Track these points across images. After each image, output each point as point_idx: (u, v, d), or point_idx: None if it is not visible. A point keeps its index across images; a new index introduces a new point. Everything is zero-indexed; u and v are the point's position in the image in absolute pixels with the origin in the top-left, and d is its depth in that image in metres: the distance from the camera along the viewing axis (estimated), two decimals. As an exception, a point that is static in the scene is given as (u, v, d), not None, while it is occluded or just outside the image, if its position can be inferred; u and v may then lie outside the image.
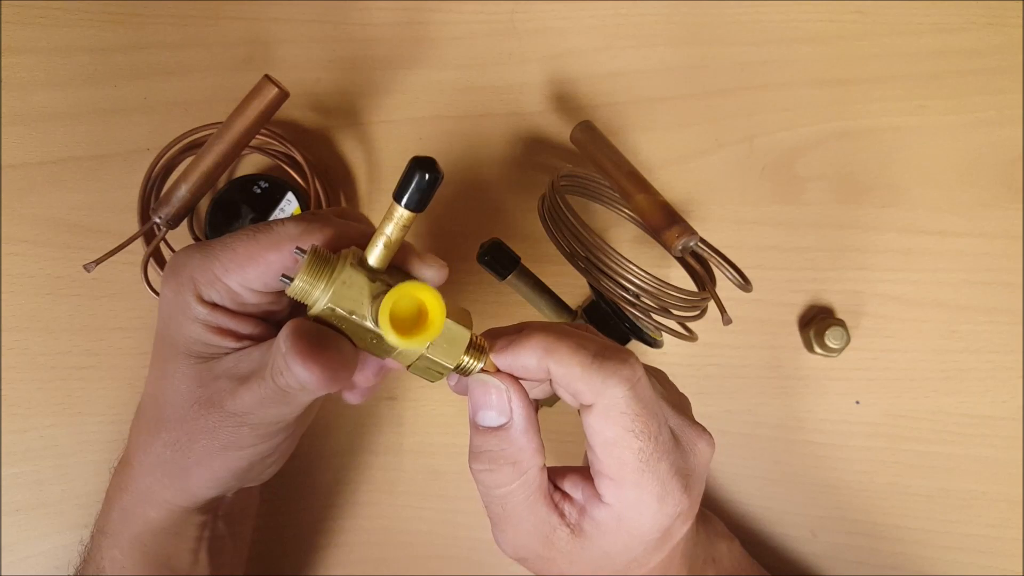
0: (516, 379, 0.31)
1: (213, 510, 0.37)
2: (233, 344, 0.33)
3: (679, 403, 0.34)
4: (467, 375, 0.31)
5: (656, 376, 0.35)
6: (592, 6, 0.49)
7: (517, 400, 0.30)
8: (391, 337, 0.27)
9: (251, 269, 0.31)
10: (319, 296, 0.28)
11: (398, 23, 0.49)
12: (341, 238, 0.31)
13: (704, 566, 0.39)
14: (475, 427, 0.31)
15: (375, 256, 0.28)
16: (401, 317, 0.27)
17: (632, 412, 0.29)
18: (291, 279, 0.28)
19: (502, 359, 0.30)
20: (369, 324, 0.28)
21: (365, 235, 0.30)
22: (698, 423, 0.33)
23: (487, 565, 0.47)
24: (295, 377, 0.29)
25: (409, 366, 0.30)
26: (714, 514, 0.45)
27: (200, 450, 0.33)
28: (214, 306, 0.32)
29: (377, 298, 0.28)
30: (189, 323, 0.32)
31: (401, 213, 0.27)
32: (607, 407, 0.29)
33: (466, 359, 0.30)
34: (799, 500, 0.47)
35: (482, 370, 0.30)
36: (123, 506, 0.36)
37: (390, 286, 0.28)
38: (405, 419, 0.48)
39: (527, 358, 0.30)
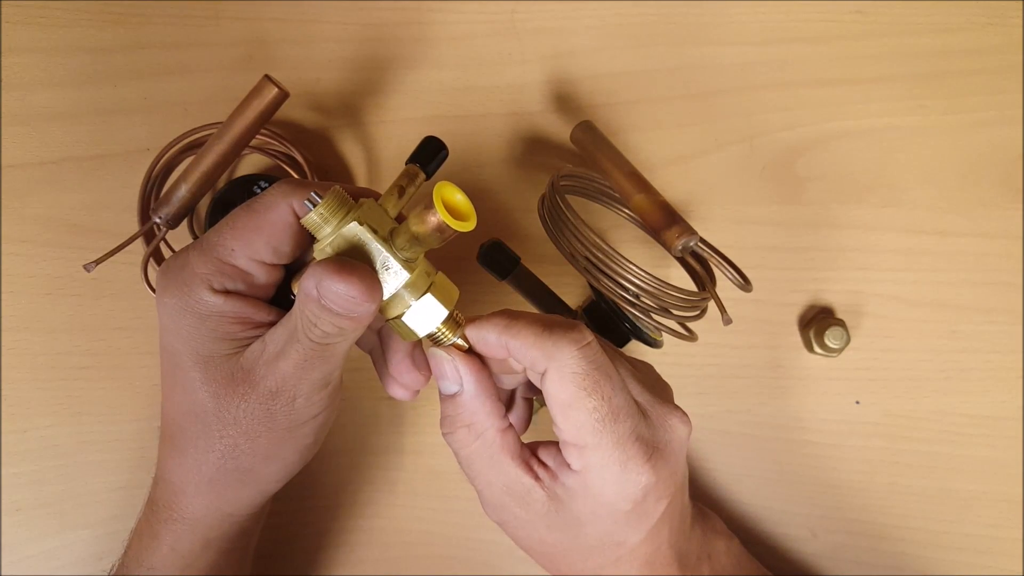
0: (470, 353, 0.33)
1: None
2: (252, 333, 0.32)
3: (655, 386, 0.35)
4: (439, 345, 0.33)
5: (638, 366, 0.36)
6: (592, 6, 0.49)
7: (465, 370, 0.33)
8: (446, 218, 0.28)
9: (257, 238, 0.31)
10: (341, 221, 0.30)
11: (398, 23, 0.49)
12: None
13: (698, 564, 0.39)
14: (440, 395, 0.34)
15: (389, 202, 0.32)
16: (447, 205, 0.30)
17: (582, 371, 0.31)
18: (314, 206, 0.30)
19: (469, 333, 0.33)
20: (385, 248, 0.30)
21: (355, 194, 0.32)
22: (674, 403, 0.34)
23: (487, 565, 0.47)
24: (334, 296, 0.28)
25: (389, 319, 0.32)
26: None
27: (265, 443, 0.33)
28: (227, 293, 0.32)
29: (393, 231, 0.31)
30: (203, 321, 0.32)
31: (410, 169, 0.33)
32: (559, 368, 0.31)
33: (443, 328, 0.33)
34: (799, 500, 0.47)
35: (455, 344, 0.33)
36: (175, 540, 0.36)
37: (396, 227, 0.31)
38: (405, 419, 0.48)
39: (488, 333, 0.32)
